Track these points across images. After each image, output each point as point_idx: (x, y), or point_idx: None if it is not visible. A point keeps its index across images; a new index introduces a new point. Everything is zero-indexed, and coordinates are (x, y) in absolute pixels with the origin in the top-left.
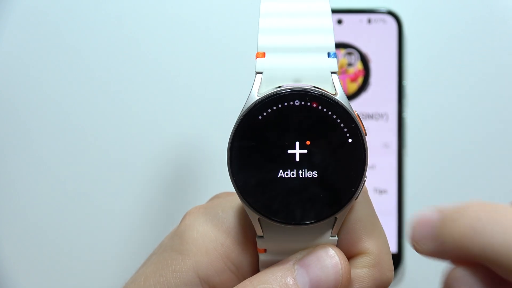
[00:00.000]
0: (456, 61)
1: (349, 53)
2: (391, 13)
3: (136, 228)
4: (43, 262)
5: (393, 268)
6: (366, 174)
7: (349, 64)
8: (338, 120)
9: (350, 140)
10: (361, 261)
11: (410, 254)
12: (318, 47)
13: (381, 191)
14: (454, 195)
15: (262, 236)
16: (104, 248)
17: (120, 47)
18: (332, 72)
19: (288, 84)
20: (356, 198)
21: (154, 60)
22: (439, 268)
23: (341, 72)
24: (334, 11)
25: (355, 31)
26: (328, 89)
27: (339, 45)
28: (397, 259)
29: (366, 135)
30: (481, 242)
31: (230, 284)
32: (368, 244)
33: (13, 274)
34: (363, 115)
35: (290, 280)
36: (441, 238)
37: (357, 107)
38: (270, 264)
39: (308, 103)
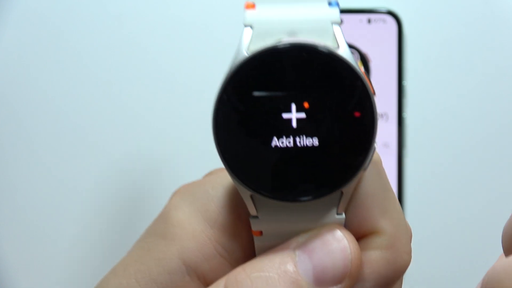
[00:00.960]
0: (456, 61)
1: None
2: (391, 13)
3: (137, 227)
4: (43, 261)
5: (410, 250)
6: (376, 141)
7: None
8: (341, 78)
9: (355, 101)
10: (372, 242)
11: None
12: None
13: None
14: (454, 195)
15: (256, 217)
16: (104, 247)
17: (120, 47)
18: (333, 23)
19: (282, 38)
20: (365, 169)
21: (153, 61)
22: (439, 268)
23: None
24: None
25: (355, 31)
26: (329, 42)
27: None
28: None
29: (374, 94)
30: None
31: (222, 271)
32: (381, 222)
33: (13, 274)
34: None
35: (290, 267)
36: None
37: None
38: (267, 249)
39: (305, 60)
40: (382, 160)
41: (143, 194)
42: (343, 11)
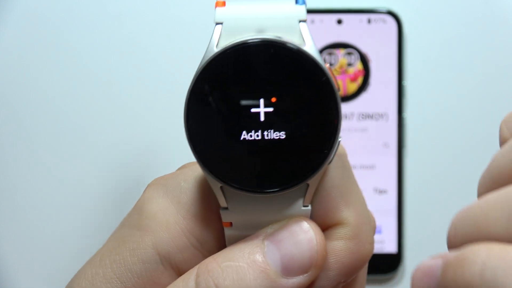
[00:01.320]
0: (456, 61)
1: (349, 53)
2: (391, 13)
3: None
4: (43, 261)
5: (373, 240)
6: (341, 134)
7: (349, 64)
8: (307, 74)
9: (320, 96)
10: (337, 232)
11: (410, 254)
12: None
13: (381, 191)
14: (454, 195)
15: (226, 208)
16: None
17: (120, 47)
18: (300, 21)
19: (251, 35)
20: (330, 161)
21: (153, 61)
22: None
23: (341, 72)
24: (334, 11)
25: (355, 31)
26: (295, 39)
27: (339, 45)
28: (397, 259)
29: (339, 90)
30: None
31: (194, 262)
32: (345, 213)
33: (13, 274)
34: (363, 115)
35: (259, 257)
36: None
37: (357, 107)
38: (237, 240)
39: (272, 56)
40: (347, 153)
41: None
42: (343, 11)
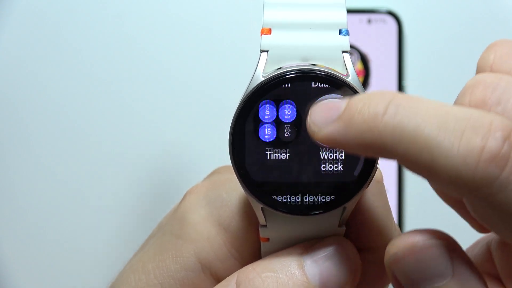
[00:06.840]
0: (456, 61)
1: (349, 53)
2: (391, 13)
3: (136, 225)
4: (43, 261)
5: None
6: (378, 162)
7: None
8: None
9: None
10: (367, 255)
11: None
12: (328, 23)
13: None
14: None
15: (265, 225)
16: (104, 247)
17: (120, 47)
18: (343, 51)
19: (295, 63)
20: (367, 186)
21: (154, 60)
22: None
23: None
24: None
25: (355, 31)
26: (338, 69)
27: None
28: None
29: None
30: (393, 125)
31: (233, 270)
32: (378, 238)
33: (13, 274)
34: None
35: (298, 271)
36: (348, 121)
37: None
38: (272, 252)
39: (317, 86)
40: (383, 178)
41: (142, 193)
42: None
